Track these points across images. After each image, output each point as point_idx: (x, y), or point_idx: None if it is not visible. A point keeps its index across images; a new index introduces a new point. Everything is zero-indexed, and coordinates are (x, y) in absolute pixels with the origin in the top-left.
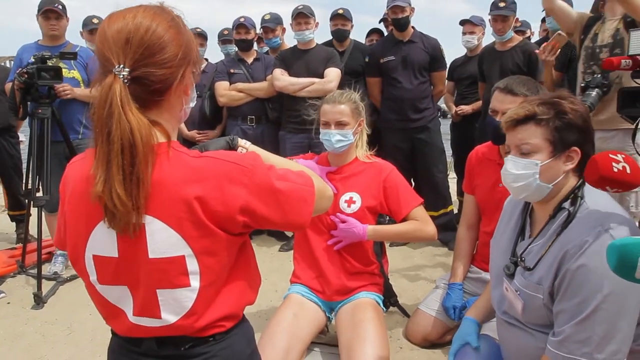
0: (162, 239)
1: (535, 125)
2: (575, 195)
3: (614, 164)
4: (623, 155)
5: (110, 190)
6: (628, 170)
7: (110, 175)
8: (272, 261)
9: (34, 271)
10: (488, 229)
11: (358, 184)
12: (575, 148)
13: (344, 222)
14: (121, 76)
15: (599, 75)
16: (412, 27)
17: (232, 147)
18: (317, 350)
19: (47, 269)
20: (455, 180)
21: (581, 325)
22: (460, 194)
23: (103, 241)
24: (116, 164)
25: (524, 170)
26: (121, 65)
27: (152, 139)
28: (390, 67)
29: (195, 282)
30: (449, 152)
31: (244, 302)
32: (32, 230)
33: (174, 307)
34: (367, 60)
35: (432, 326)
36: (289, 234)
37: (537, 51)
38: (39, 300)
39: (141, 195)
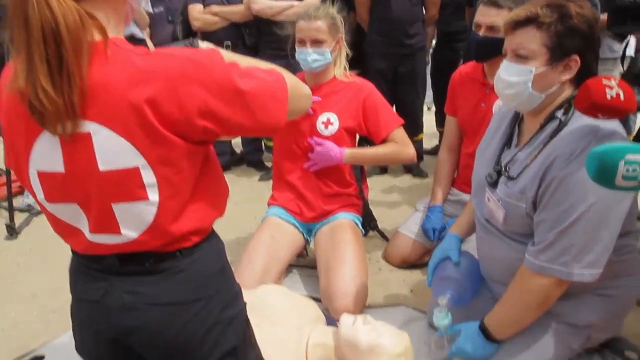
0: (111, 149)
1: (535, 29)
2: (569, 105)
3: (607, 90)
4: (616, 81)
5: (35, 84)
6: (622, 97)
7: (32, 66)
8: (252, 191)
9: (6, 204)
10: (469, 150)
11: (336, 105)
12: (575, 57)
13: (320, 145)
14: None
15: None
16: None
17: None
18: (296, 272)
19: (19, 201)
20: (434, 112)
21: (562, 234)
22: (440, 124)
23: (47, 155)
24: (38, 54)
25: (517, 77)
26: None
27: (84, 29)
28: None
29: (153, 195)
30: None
31: (212, 216)
32: (2, 163)
33: (134, 221)
34: None
35: (411, 248)
36: (268, 163)
37: None
38: (12, 231)
39: (75, 93)
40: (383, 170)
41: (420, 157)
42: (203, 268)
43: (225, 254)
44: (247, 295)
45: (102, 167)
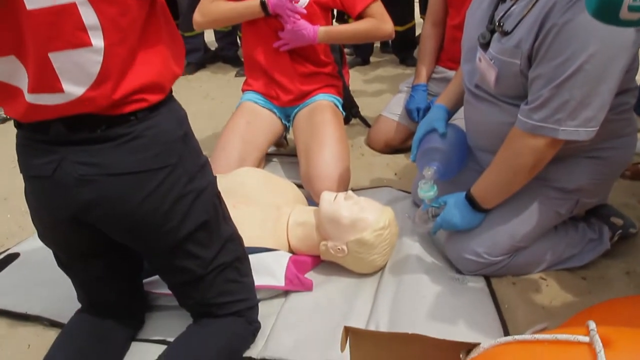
0: None
1: None
2: None
3: None
4: None
5: None
6: None
7: None
8: (229, 87)
9: None
10: (455, 22)
11: None
12: None
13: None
14: None
15: None
16: None
17: None
18: (276, 160)
19: None
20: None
21: (558, 89)
22: (423, 11)
23: None
24: None
25: None
26: None
27: None
28: None
29: (97, 40)
30: None
31: (169, 72)
32: None
33: (77, 74)
34: None
35: (394, 131)
36: None
37: None
38: None
39: None
40: (365, 61)
41: (414, 44)
42: (162, 134)
43: (188, 123)
44: (223, 179)
45: (29, 5)
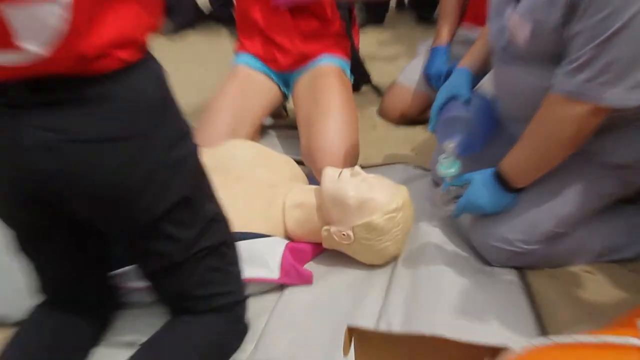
0: None
1: None
2: None
3: None
4: None
5: None
6: None
7: None
8: (221, 51)
9: None
10: None
11: None
12: None
13: None
14: None
15: None
16: None
17: None
18: (273, 133)
19: None
20: None
21: (603, 47)
22: None
23: None
24: None
25: None
26: None
27: None
28: None
29: None
30: None
31: (142, 25)
32: None
33: (37, 30)
34: None
35: (412, 99)
36: None
37: None
38: None
39: None
40: (378, 20)
41: (435, 1)
42: (137, 97)
43: (168, 84)
44: (210, 153)
45: None
